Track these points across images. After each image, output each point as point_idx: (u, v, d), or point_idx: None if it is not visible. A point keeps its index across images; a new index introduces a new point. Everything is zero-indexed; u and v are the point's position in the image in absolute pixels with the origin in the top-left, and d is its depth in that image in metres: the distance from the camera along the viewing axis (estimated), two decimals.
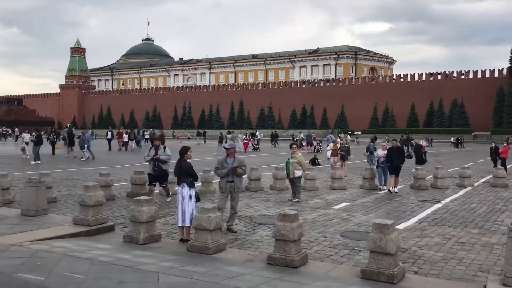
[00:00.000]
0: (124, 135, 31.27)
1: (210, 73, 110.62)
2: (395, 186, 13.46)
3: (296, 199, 11.72)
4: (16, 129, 51.06)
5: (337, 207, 10.88)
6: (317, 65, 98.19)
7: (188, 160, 7.53)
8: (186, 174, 7.29)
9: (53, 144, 26.71)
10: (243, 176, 8.63)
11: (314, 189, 13.65)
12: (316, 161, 22.67)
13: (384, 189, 13.62)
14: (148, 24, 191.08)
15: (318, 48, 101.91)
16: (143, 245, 6.75)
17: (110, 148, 30.86)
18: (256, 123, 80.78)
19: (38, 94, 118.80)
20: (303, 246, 6.57)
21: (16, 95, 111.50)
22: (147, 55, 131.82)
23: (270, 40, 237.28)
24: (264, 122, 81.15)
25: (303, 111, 79.76)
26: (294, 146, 12.08)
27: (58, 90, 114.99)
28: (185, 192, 7.26)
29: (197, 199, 7.42)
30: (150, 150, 11.06)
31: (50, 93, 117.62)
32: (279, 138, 42.84)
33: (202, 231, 6.42)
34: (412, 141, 31.08)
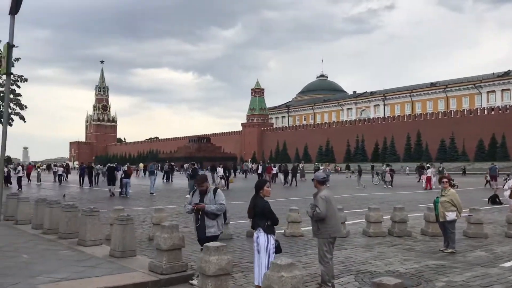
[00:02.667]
0: (273, 168, 30.65)
1: (384, 104, 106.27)
2: None
3: (450, 250, 9.10)
4: (186, 165, 55.52)
5: (506, 265, 7.99)
6: (508, 89, 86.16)
7: (265, 198, 5.99)
8: (262, 216, 5.76)
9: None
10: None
11: (480, 236, 10.64)
12: (497, 199, 18.63)
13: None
14: (322, 61, 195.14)
15: (509, 70, 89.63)
16: None
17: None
18: (436, 156, 73.71)
19: (224, 132, 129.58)
20: None
21: (205, 134, 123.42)
22: (321, 91, 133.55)
23: (451, 66, 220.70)
24: (445, 154, 73.59)
25: (492, 141, 70.00)
26: (444, 180, 9.49)
27: (241, 128, 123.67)
28: (261, 239, 5.74)
29: (278, 249, 5.81)
30: (193, 194, 6.93)
31: (234, 131, 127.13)
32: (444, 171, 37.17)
33: None
34: None
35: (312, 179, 6.74)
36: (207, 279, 5.61)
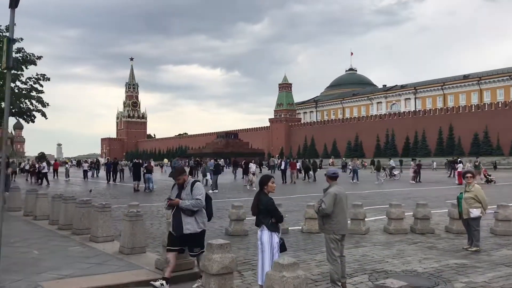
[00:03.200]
0: (297, 164, 30.36)
1: (415, 98, 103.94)
2: None
3: (474, 248, 8.65)
4: (212, 161, 55.55)
5: None
6: None
7: (270, 194, 5.74)
8: (266, 213, 5.52)
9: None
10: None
11: (509, 234, 10.09)
12: None
13: None
14: (352, 54, 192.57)
15: None
16: None
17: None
18: (469, 150, 71.64)
19: (251, 128, 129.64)
20: None
21: (233, 130, 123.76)
22: (350, 85, 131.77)
23: (485, 58, 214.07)
24: (478, 148, 71.35)
25: None
26: (469, 175, 9.00)
27: (268, 124, 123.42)
28: (265, 237, 5.49)
29: (282, 247, 5.57)
30: (172, 188, 6.35)
31: (261, 127, 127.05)
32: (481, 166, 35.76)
33: None
34: None
35: (325, 174, 6.50)
36: (210, 278, 5.41)
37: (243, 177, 29.08)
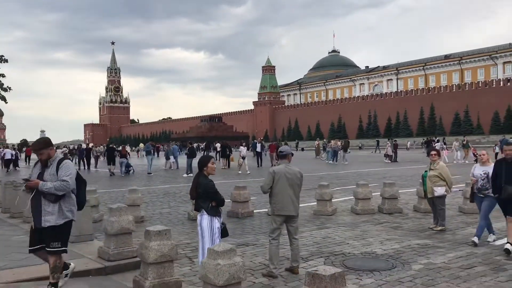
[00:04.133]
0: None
1: (397, 79, 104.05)
2: None
3: (439, 228, 8.49)
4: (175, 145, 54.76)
5: (497, 243, 7.29)
6: None
7: (210, 177, 5.37)
8: (206, 197, 5.15)
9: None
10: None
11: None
12: None
13: (486, 241, 7.41)
14: (334, 36, 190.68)
15: None
16: None
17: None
18: (450, 129, 72.22)
19: (235, 111, 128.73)
20: None
21: (217, 114, 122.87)
22: (333, 66, 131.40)
23: (465, 38, 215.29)
24: (459, 127, 71.89)
25: (508, 113, 68.01)
26: (433, 152, 8.74)
27: (253, 107, 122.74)
28: (205, 222, 5.13)
29: (224, 233, 5.23)
30: (34, 165, 5.03)
31: (245, 110, 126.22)
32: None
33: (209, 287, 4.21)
34: None
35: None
36: (147, 268, 5.08)
37: (218, 160, 28.84)
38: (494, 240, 7.43)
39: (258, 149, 24.89)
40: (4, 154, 28.48)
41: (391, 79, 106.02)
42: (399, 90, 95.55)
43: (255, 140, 32.94)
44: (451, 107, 74.34)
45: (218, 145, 25.41)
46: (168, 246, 5.11)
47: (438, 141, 32.54)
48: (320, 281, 3.37)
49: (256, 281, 5.58)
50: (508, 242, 6.65)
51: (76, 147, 44.32)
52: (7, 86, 16.32)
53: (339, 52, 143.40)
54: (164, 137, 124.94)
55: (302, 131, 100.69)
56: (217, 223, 5.14)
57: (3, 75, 16.22)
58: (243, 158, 23.10)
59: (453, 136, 59.46)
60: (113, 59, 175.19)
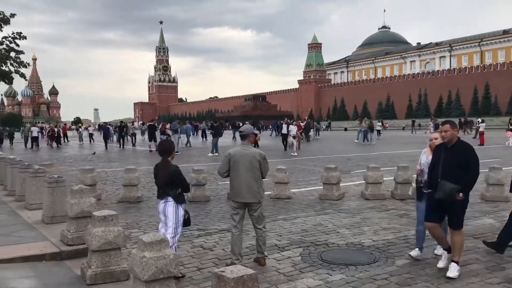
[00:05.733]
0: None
1: (450, 56, 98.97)
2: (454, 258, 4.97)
3: None
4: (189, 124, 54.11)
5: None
6: None
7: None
8: (172, 183, 4.82)
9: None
10: None
11: (500, 199, 8.95)
12: None
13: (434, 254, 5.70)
14: (384, 11, 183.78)
15: None
16: (91, 286, 4.58)
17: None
18: (506, 109, 68.05)
19: (280, 90, 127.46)
20: None
21: (261, 93, 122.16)
22: (383, 43, 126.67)
23: None
24: None
25: None
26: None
27: (298, 86, 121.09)
28: (170, 209, 4.83)
29: (186, 222, 4.90)
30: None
31: (290, 89, 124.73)
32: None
33: (136, 281, 3.82)
34: None
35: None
36: (91, 255, 4.75)
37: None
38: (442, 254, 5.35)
39: (284, 130, 23.91)
40: (32, 132, 29.41)
41: (444, 56, 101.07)
42: (452, 68, 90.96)
43: (281, 121, 32.44)
44: (509, 86, 69.91)
45: (292, 127, 24.41)
46: (114, 232, 4.75)
47: (483, 121, 30.48)
48: (224, 284, 2.88)
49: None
50: (453, 261, 4.93)
51: (99, 125, 44.86)
52: (27, 62, 16.62)
53: (389, 28, 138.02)
54: (210, 115, 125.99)
55: (348, 110, 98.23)
56: (181, 211, 4.84)
57: (22, 52, 16.48)
58: (294, 138, 22.54)
59: (509, 116, 55.95)
60: (162, 39, 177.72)
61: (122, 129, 28.21)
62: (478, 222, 7.44)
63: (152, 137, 24.98)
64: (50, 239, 5.92)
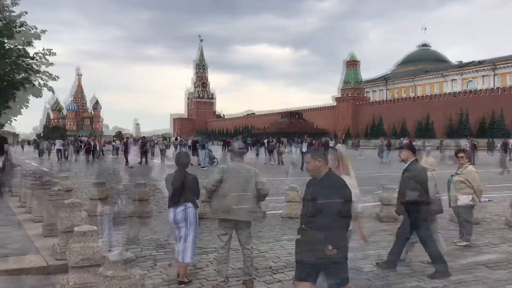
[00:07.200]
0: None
1: (494, 74, 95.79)
2: None
3: (464, 243, 7.20)
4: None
5: None
6: None
7: None
8: (191, 191, 5.30)
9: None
10: None
11: None
12: None
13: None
14: (425, 30, 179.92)
15: None
16: None
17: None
18: None
19: (316, 107, 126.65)
20: None
21: (297, 110, 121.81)
22: (423, 61, 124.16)
23: None
24: None
25: None
26: (461, 154, 7.43)
27: (335, 103, 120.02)
28: (191, 214, 5.17)
29: None
30: None
31: (327, 106, 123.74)
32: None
33: None
34: None
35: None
36: (70, 271, 4.66)
37: (266, 155, 30.56)
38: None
39: (304, 148, 23.09)
40: (55, 144, 30.29)
41: (487, 75, 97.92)
42: (495, 87, 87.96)
43: (299, 138, 32.57)
44: None
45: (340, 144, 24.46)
46: (93, 249, 4.66)
47: None
48: None
49: None
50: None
51: (151, 139, 44.74)
52: (56, 75, 17.33)
53: (430, 46, 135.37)
54: (246, 131, 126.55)
55: (386, 128, 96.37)
56: (198, 216, 5.29)
57: (52, 64, 17.13)
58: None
59: None
60: (201, 55, 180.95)
61: (143, 145, 27.87)
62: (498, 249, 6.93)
63: (195, 152, 25.65)
64: (42, 253, 5.90)
